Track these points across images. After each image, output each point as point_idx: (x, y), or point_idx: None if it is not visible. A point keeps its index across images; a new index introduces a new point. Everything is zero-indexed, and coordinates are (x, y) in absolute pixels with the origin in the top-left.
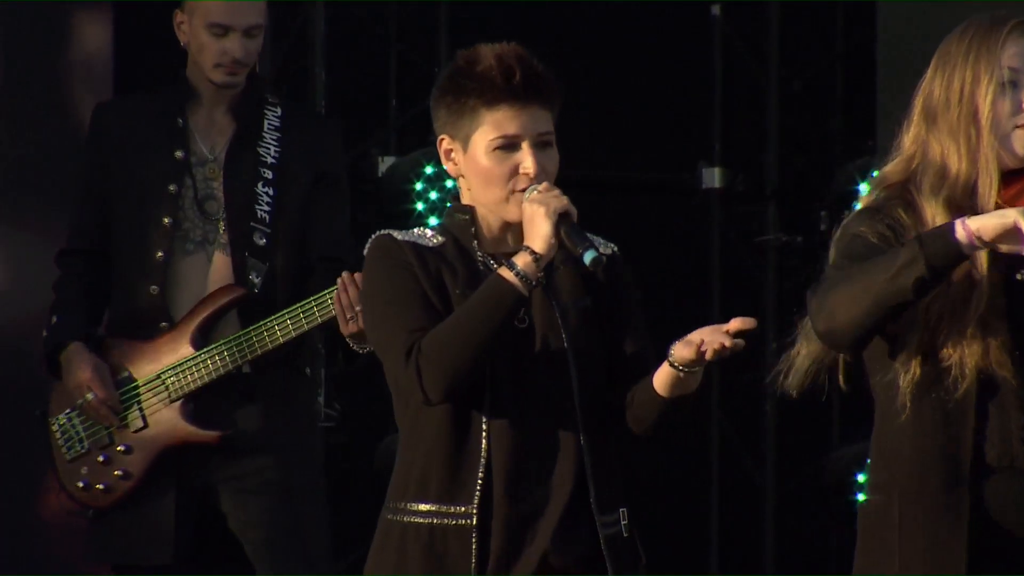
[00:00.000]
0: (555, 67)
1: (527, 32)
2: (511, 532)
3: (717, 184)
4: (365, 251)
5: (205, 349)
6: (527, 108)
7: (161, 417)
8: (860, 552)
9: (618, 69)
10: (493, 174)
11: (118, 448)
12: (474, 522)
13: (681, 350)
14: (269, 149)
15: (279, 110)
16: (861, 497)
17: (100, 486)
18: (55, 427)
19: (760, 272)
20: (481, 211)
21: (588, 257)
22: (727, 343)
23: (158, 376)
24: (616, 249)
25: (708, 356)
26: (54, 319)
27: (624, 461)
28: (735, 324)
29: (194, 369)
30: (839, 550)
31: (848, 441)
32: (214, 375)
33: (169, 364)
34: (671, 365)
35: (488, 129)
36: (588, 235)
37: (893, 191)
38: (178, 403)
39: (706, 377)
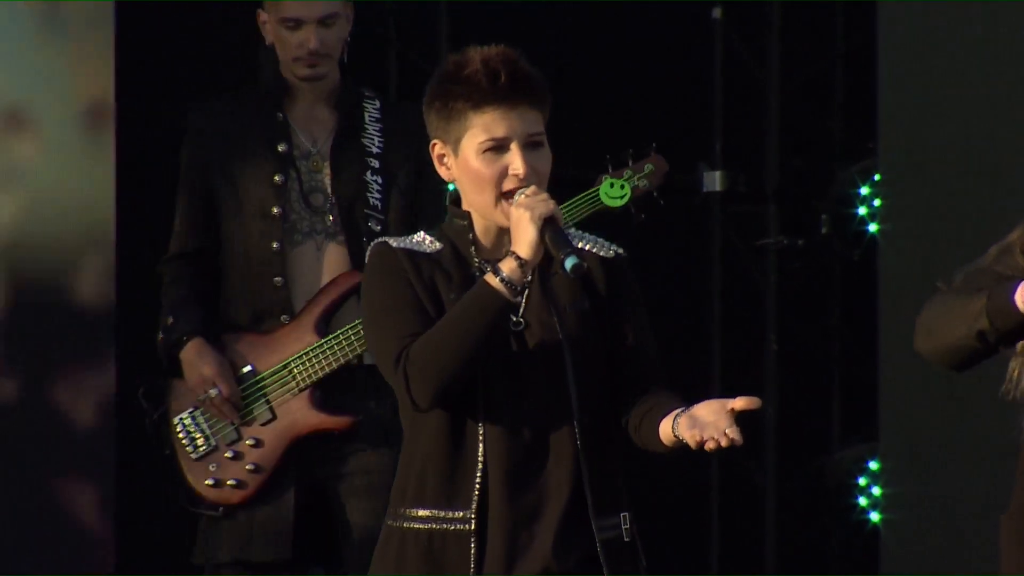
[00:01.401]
0: (555, 68)
1: (527, 32)
2: (509, 536)
3: (718, 186)
4: (366, 259)
5: (332, 335)
6: (515, 109)
7: (290, 407)
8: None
9: (618, 70)
10: (483, 176)
11: (247, 442)
12: (472, 527)
13: (685, 430)
14: (373, 140)
15: (377, 103)
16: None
17: (231, 482)
18: (178, 427)
19: (761, 274)
20: (478, 216)
21: (569, 263)
22: (723, 441)
23: (285, 366)
24: (620, 251)
25: (707, 449)
26: (169, 319)
27: (625, 465)
28: (740, 403)
29: (320, 357)
30: (840, 552)
31: (848, 443)
32: (341, 361)
33: (294, 353)
34: (674, 434)
35: (477, 132)
36: (572, 240)
37: None
38: (306, 392)
39: (706, 378)
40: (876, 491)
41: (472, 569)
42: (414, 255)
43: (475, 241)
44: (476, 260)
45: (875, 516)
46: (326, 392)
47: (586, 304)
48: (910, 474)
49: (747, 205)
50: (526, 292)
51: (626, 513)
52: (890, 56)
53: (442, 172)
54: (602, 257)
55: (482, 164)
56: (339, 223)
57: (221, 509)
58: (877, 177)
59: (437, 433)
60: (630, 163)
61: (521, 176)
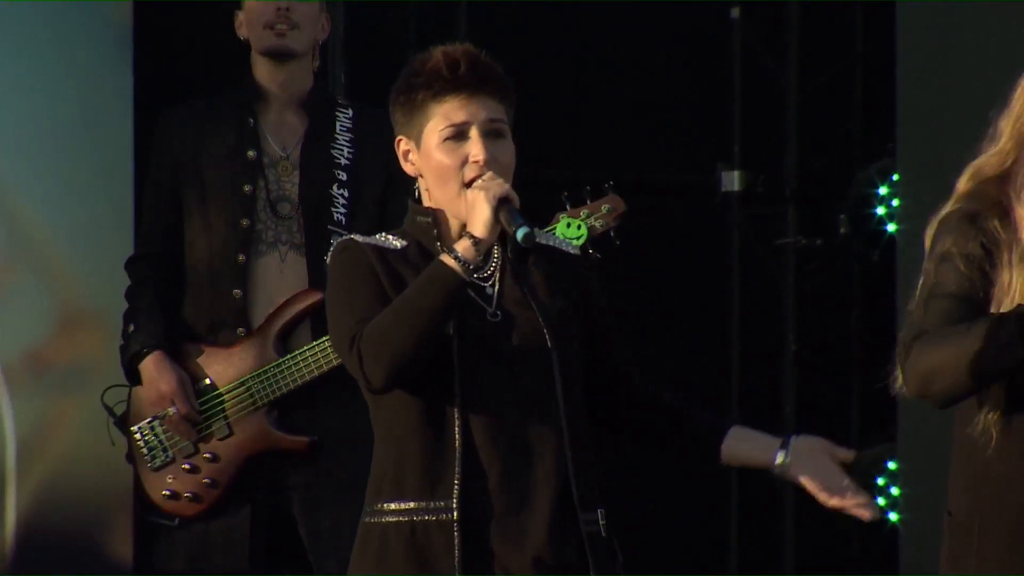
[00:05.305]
0: (574, 68)
1: (545, 33)
2: (497, 526)
3: (737, 187)
4: (328, 257)
5: (291, 355)
6: (475, 97)
7: (247, 424)
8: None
9: (637, 71)
10: (444, 166)
11: (204, 456)
12: (455, 516)
13: (798, 475)
14: (343, 151)
15: (350, 112)
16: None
17: (188, 495)
18: (137, 436)
19: (780, 275)
20: (444, 214)
21: (520, 233)
22: (865, 516)
23: (242, 383)
24: (586, 251)
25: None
26: (131, 327)
27: (643, 465)
28: (843, 456)
29: (278, 376)
30: (859, 553)
31: (868, 444)
32: (299, 382)
33: (252, 370)
34: (777, 468)
35: (438, 121)
36: (527, 219)
37: (989, 189)
38: (263, 409)
39: (725, 378)
40: (895, 491)
41: (457, 558)
42: (381, 251)
43: (441, 237)
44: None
45: (894, 516)
46: (283, 410)
47: (561, 302)
48: (929, 474)
49: (766, 205)
50: (497, 285)
51: (602, 508)
52: (909, 56)
53: (407, 168)
54: (573, 256)
55: (443, 154)
56: (303, 233)
57: (177, 520)
58: (896, 177)
59: (413, 426)
60: (588, 201)
61: (480, 162)
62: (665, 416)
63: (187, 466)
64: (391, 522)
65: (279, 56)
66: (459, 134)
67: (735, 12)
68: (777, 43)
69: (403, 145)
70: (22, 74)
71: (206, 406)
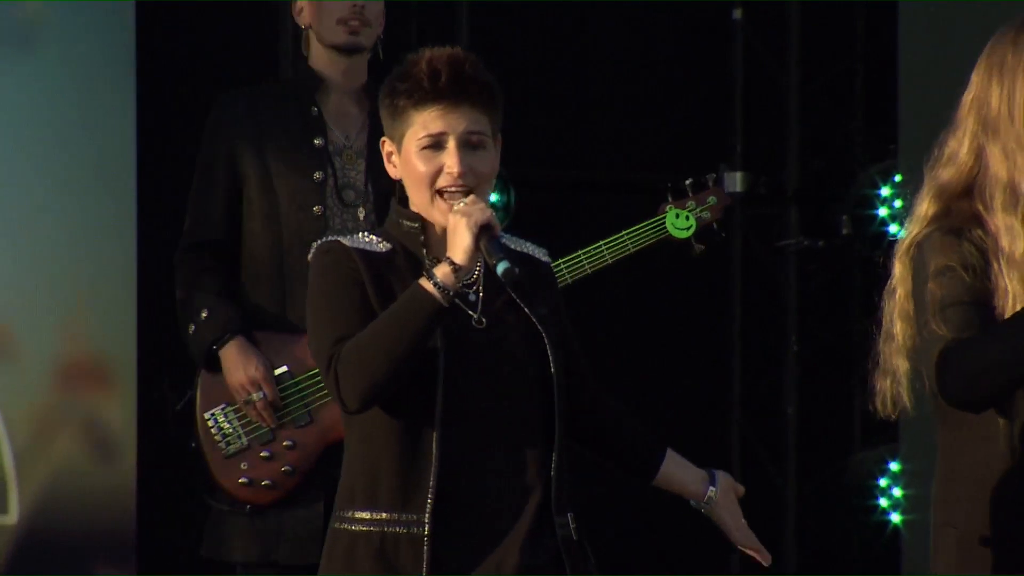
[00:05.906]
0: (575, 69)
1: (547, 35)
2: (470, 539)
3: (739, 188)
4: (310, 257)
5: None
6: (456, 108)
7: (328, 412)
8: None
9: (639, 72)
10: (420, 174)
11: (284, 444)
12: (426, 531)
13: (722, 521)
14: None
15: None
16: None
17: (266, 482)
18: (210, 422)
19: (781, 275)
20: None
21: (501, 268)
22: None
23: None
24: (548, 257)
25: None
26: (204, 312)
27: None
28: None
29: None
30: (861, 553)
31: (869, 445)
32: None
33: None
34: (695, 504)
35: (416, 129)
36: (508, 248)
37: (961, 205)
38: None
39: (727, 379)
40: (897, 492)
41: (425, 572)
42: (368, 255)
43: (427, 244)
44: (428, 262)
45: (896, 517)
46: None
47: (544, 310)
48: (931, 476)
49: (768, 206)
50: (481, 292)
51: (571, 513)
52: (910, 57)
53: (389, 170)
54: (543, 262)
55: (420, 162)
56: (373, 219)
57: (248, 508)
58: (898, 178)
59: (390, 435)
60: (690, 193)
61: (455, 174)
62: (611, 426)
63: (265, 453)
64: (361, 531)
65: (350, 52)
66: (436, 144)
67: (737, 13)
68: (779, 44)
69: (387, 146)
70: (23, 74)
71: (284, 393)
